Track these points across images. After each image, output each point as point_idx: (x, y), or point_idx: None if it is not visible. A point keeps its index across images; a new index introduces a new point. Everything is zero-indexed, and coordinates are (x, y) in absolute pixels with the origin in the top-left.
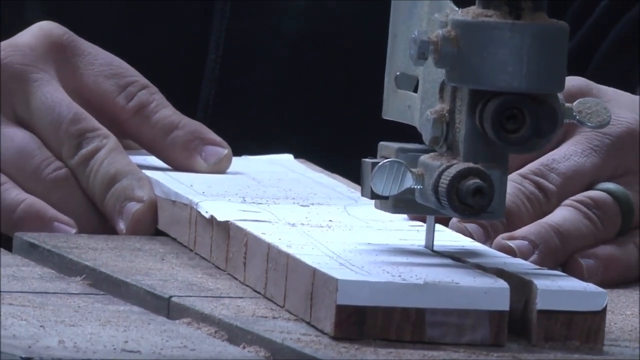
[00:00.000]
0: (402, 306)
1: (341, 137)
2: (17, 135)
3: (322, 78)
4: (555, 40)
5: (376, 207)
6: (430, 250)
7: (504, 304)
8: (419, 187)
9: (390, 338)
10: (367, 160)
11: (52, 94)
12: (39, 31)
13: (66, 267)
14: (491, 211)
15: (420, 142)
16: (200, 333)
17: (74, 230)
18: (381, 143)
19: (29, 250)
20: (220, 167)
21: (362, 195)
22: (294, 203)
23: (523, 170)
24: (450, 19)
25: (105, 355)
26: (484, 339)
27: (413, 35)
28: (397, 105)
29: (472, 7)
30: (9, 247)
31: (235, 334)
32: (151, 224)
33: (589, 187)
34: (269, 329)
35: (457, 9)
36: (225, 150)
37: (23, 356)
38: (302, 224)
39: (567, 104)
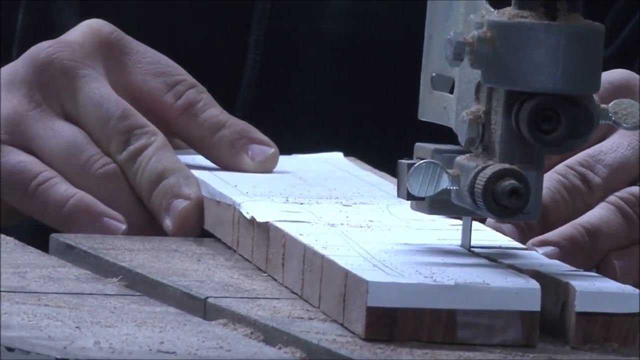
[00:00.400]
0: (432, 307)
1: (382, 138)
2: (65, 130)
3: (363, 79)
4: (591, 41)
5: (412, 208)
6: (466, 250)
7: (535, 305)
8: (454, 188)
9: (421, 339)
10: (403, 161)
11: (100, 89)
12: (87, 29)
13: (102, 268)
14: (527, 212)
15: (456, 143)
16: (236, 334)
17: (123, 226)
18: (417, 144)
19: (66, 251)
20: (266, 166)
21: (398, 196)
22: (336, 202)
23: (569, 161)
24: (486, 19)
25: (141, 356)
26: (515, 339)
27: (449, 36)
28: (433, 106)
29: (508, 8)
30: (45, 248)
31: (271, 335)
32: (197, 222)
33: (635, 180)
34: (305, 329)
35: (492, 9)
36: (272, 149)
37: (58, 357)
38: (341, 224)
39: (603, 105)
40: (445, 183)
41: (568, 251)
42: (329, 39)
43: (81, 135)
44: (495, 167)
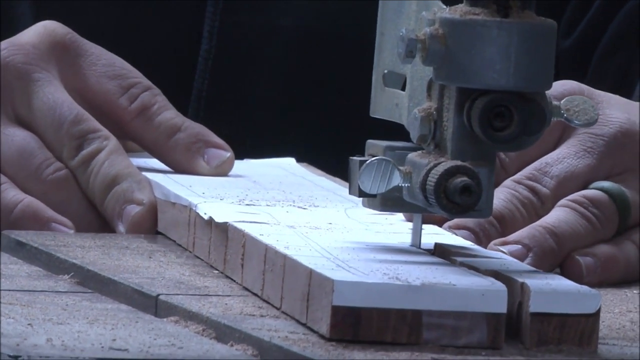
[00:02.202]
0: (398, 307)
1: (336, 133)
2: (17, 135)
3: (316, 74)
4: (543, 39)
5: (364, 205)
6: (417, 249)
7: (501, 306)
8: (406, 185)
9: (386, 340)
10: (354, 158)
11: (53, 94)
12: (42, 30)
13: (54, 265)
14: (479, 209)
15: (408, 140)
16: (187, 331)
17: (71, 232)
18: (369, 141)
19: (17, 248)
20: (222, 170)
21: (350, 193)
22: (293, 205)
23: (516, 176)
24: (438, 17)
25: (93, 354)
26: (480, 341)
27: (401, 34)
28: (385, 103)
29: (460, 5)
30: None
31: (222, 332)
32: (151, 226)
33: (584, 188)
34: (256, 327)
35: (444, 7)
36: (228, 153)
37: (11, 354)
38: (300, 225)
39: (555, 102)
40: (397, 180)
41: (530, 248)
42: (284, 33)
43: (33, 141)
44: (447, 164)
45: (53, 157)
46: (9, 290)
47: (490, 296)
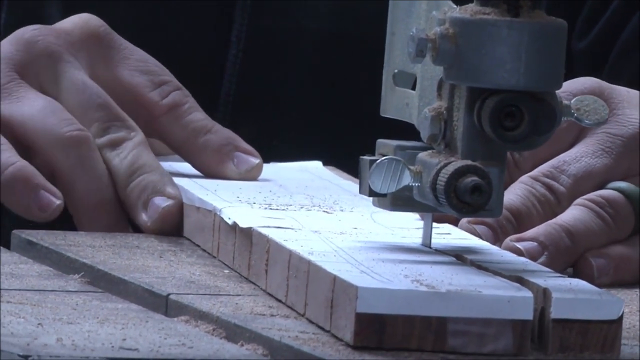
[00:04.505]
0: (423, 314)
1: (364, 135)
2: (40, 98)
3: (344, 77)
4: (554, 38)
5: (374, 204)
6: (427, 248)
7: (527, 313)
8: (417, 184)
9: (411, 347)
10: (365, 157)
11: (83, 77)
12: (77, 19)
13: (64, 264)
14: (489, 209)
15: (419, 139)
16: (198, 331)
17: (58, 202)
18: (379, 140)
19: (27, 247)
20: (251, 175)
21: (360, 192)
22: (319, 210)
23: (534, 173)
24: (449, 16)
25: (103, 353)
26: (506, 348)
27: (411, 33)
28: (395, 102)
29: (470, 5)
30: (7, 245)
31: (233, 332)
32: (176, 225)
33: (600, 188)
34: (266, 326)
35: (455, 6)
36: (257, 160)
37: (21, 354)
38: (325, 230)
39: (565, 102)
40: (407, 179)
41: (546, 246)
42: (311, 36)
43: (56, 103)
44: (457, 163)
45: (75, 120)
46: (19, 289)
47: (516, 303)
